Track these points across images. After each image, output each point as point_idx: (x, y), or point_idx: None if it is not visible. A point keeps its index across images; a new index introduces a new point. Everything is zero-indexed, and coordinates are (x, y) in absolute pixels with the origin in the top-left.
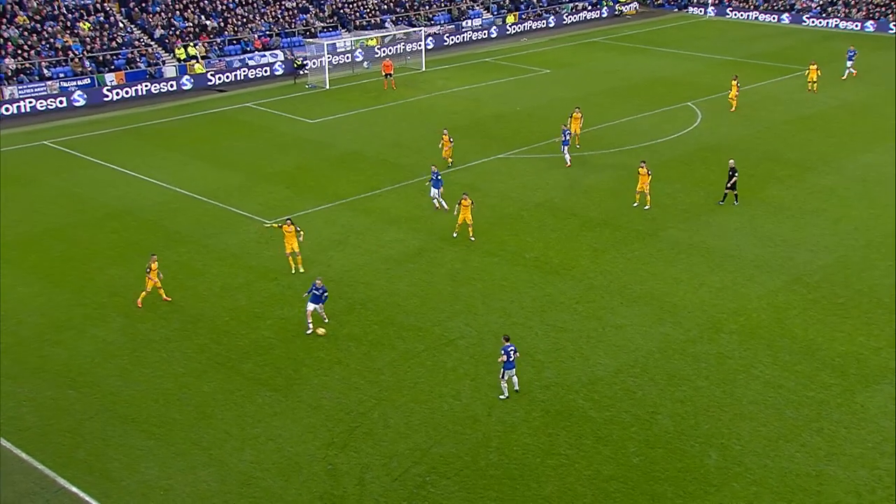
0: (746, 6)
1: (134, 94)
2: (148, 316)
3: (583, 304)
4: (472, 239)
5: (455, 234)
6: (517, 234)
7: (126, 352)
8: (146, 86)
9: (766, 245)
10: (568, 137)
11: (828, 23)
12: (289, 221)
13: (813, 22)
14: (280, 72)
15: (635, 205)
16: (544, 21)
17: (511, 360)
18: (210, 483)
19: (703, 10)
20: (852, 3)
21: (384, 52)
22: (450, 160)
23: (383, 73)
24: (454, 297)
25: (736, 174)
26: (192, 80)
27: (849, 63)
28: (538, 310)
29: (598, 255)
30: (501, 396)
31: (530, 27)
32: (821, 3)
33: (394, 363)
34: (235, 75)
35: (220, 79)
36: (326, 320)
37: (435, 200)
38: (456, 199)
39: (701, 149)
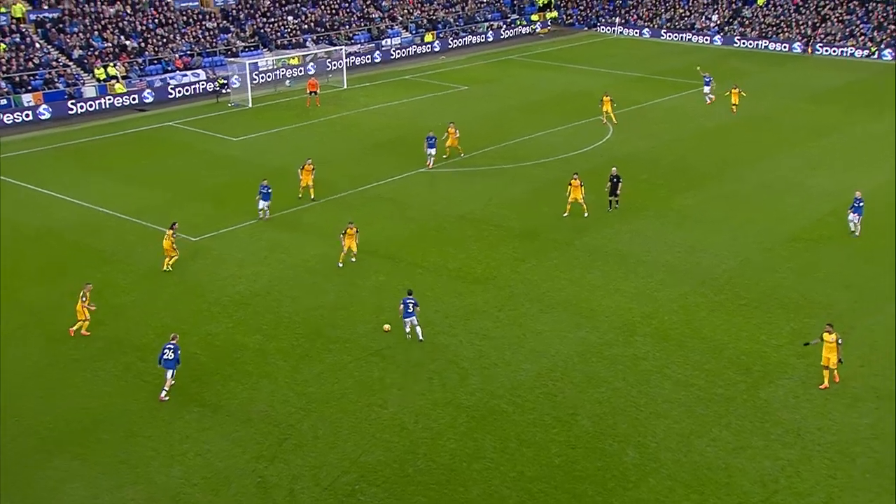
0: (651, 25)
1: (52, 115)
2: (70, 336)
3: (505, 311)
4: (353, 260)
5: (340, 264)
6: (440, 246)
7: (49, 372)
8: (64, 106)
9: (676, 251)
10: (433, 142)
11: (758, 44)
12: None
13: (747, 43)
14: (202, 91)
15: (565, 215)
16: (461, 40)
17: (410, 310)
18: (138, 500)
19: (635, 31)
20: (746, 22)
21: (334, 65)
22: (311, 191)
23: (308, 91)
24: (380, 308)
25: (619, 182)
26: (113, 100)
27: (706, 89)
28: (462, 318)
29: (518, 264)
30: (409, 336)
31: (448, 45)
32: (719, 23)
33: (321, 375)
34: (157, 94)
35: (140, 98)
36: (166, 391)
37: (261, 212)
38: (341, 230)
39: (613, 160)
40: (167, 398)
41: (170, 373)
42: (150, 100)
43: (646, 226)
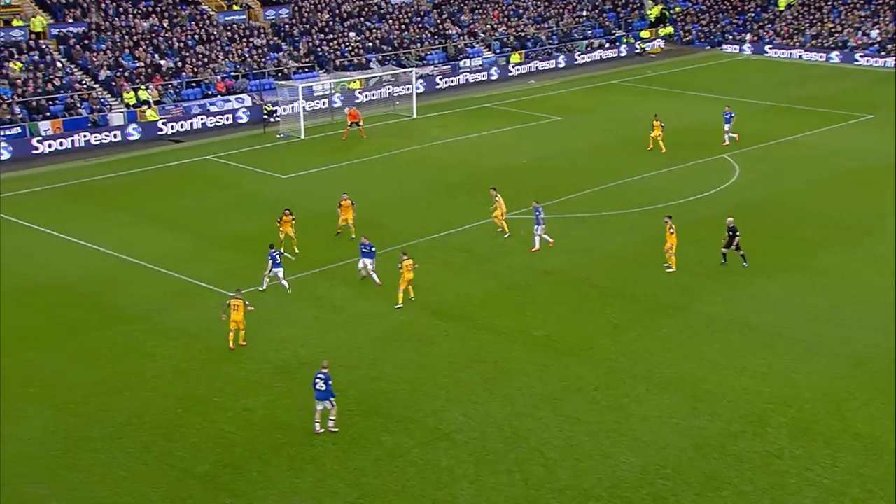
0: (790, 44)
1: (72, 146)
2: (83, 409)
3: (602, 390)
4: (412, 298)
5: (399, 305)
6: (524, 308)
7: (54, 454)
8: (87, 135)
9: (820, 322)
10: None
11: None
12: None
13: None
14: (246, 119)
15: (666, 265)
16: (554, 61)
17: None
18: None
19: (738, 47)
20: None
21: (400, 90)
22: (351, 228)
23: (349, 122)
24: (450, 382)
25: (737, 234)
26: (142, 129)
27: (726, 126)
28: (549, 397)
29: (619, 333)
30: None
31: (538, 67)
32: (880, 39)
33: (378, 462)
34: (194, 123)
35: (175, 127)
36: (334, 426)
37: (362, 271)
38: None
39: (739, 207)
40: (336, 428)
41: (320, 406)
42: (186, 129)
43: (780, 289)
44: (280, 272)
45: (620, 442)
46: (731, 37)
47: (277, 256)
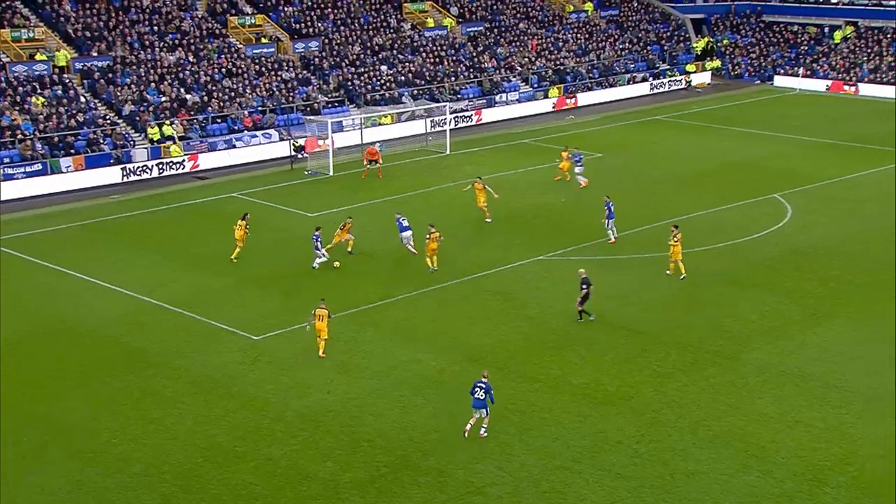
0: (846, 78)
1: (94, 183)
2: (100, 458)
3: (645, 443)
4: (434, 268)
5: (435, 268)
6: (561, 355)
7: None
8: (110, 172)
9: (881, 374)
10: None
11: None
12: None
13: None
14: (274, 155)
15: (668, 272)
16: (595, 95)
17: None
18: None
19: (825, 85)
20: None
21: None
22: (350, 244)
23: (366, 161)
24: None
25: (589, 287)
26: (166, 166)
27: (577, 169)
28: (588, 450)
29: (663, 382)
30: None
31: (578, 103)
32: None
33: None
34: (219, 159)
35: (200, 163)
36: (484, 433)
37: (408, 243)
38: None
39: (792, 251)
40: (486, 434)
41: (476, 414)
42: (211, 165)
43: (838, 339)
44: (321, 252)
45: (665, 499)
46: (782, 71)
47: (315, 240)
